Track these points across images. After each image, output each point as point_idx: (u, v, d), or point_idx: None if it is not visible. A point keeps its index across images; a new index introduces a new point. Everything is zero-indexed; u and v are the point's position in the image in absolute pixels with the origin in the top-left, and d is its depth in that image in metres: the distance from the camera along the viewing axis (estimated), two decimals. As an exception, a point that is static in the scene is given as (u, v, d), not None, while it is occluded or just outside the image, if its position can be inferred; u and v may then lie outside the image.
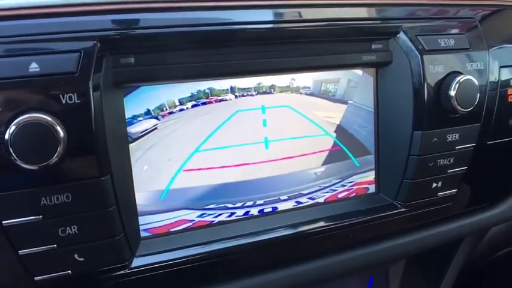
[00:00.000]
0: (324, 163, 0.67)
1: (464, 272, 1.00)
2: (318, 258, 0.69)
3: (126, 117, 0.55)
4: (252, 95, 0.61)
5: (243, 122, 0.61)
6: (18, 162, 0.46)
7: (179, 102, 0.58)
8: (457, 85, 0.65)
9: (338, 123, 0.67)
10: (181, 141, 0.59)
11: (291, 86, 0.64)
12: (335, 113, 0.67)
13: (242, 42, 0.59)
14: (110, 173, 0.52)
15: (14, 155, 0.46)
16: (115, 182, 0.53)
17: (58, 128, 0.47)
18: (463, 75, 0.65)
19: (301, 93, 0.64)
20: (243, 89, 0.61)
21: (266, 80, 0.62)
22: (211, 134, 0.60)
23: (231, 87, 0.60)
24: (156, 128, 0.57)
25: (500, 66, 0.72)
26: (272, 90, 0.62)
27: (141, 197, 0.58)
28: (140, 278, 0.57)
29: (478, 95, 0.67)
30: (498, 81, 0.72)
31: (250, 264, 0.65)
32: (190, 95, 0.58)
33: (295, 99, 0.64)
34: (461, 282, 0.99)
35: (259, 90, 0.62)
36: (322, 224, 0.66)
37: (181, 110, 0.58)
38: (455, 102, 0.65)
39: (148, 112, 0.56)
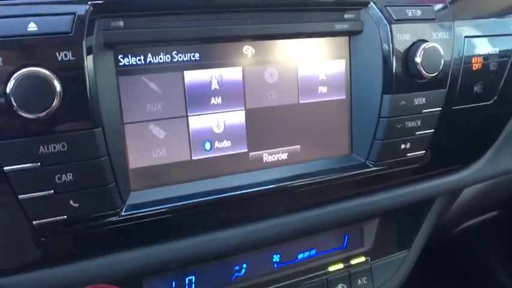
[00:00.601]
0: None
1: (436, 241, 1.07)
2: (295, 212, 0.75)
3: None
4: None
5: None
6: (20, 112, 0.51)
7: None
8: (423, 52, 0.70)
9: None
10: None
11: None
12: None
13: (227, 9, 0.64)
14: (102, 125, 0.57)
15: (15, 105, 0.51)
16: (107, 134, 0.58)
17: (55, 81, 0.52)
18: (428, 43, 0.71)
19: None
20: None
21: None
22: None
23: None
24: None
25: (465, 37, 0.78)
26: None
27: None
28: (130, 225, 0.63)
29: (442, 61, 0.72)
30: (463, 50, 0.78)
31: (231, 216, 0.71)
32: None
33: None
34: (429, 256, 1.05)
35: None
36: (299, 180, 0.71)
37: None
38: (421, 68, 0.71)
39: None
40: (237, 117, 0.69)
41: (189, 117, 0.66)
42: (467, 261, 1.60)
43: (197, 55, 0.65)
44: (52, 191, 0.56)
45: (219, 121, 0.68)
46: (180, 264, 0.73)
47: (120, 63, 0.61)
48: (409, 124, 0.74)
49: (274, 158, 0.72)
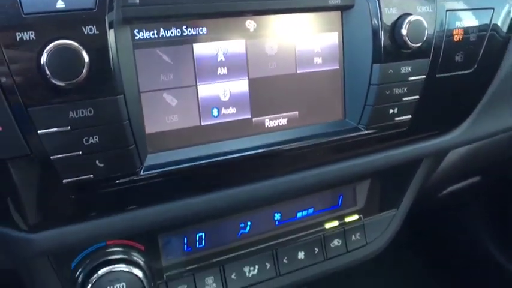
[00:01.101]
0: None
1: (424, 203, 1.15)
2: (294, 172, 0.82)
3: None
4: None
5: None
6: (53, 80, 0.57)
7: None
8: (408, 24, 0.77)
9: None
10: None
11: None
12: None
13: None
14: (123, 93, 0.64)
15: (49, 74, 0.57)
16: (127, 101, 0.64)
17: (83, 52, 0.58)
18: (413, 16, 0.78)
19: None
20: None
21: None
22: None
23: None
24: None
25: (447, 10, 0.85)
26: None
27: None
28: (147, 184, 0.70)
29: (426, 32, 0.79)
30: (445, 23, 0.85)
31: (236, 176, 0.78)
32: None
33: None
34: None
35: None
36: (297, 142, 0.78)
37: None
38: (407, 39, 0.78)
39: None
40: (241, 86, 0.76)
41: (198, 86, 0.73)
42: (455, 232, 1.69)
43: (205, 29, 0.71)
44: (80, 152, 0.63)
45: (225, 90, 0.75)
46: (191, 220, 0.80)
47: (136, 37, 0.67)
48: (397, 91, 0.81)
49: (275, 123, 0.79)
